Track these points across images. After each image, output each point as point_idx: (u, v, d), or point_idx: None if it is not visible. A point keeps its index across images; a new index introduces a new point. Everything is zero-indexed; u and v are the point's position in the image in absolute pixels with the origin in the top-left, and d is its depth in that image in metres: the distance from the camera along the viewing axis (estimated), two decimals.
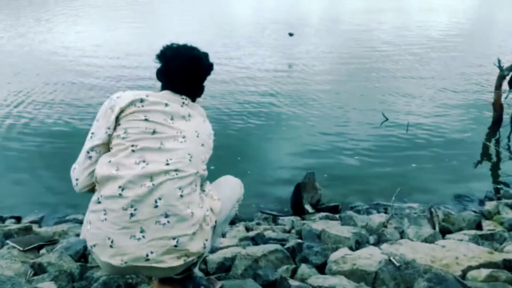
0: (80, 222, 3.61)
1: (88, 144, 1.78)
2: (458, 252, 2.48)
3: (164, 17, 16.77)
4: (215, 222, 1.88)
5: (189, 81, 1.89)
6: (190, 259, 1.73)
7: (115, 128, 1.77)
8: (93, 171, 1.75)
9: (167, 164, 1.70)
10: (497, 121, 5.75)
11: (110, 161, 1.70)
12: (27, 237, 2.97)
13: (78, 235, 3.00)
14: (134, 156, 1.70)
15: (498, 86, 5.64)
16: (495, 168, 5.02)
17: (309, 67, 9.01)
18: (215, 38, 11.62)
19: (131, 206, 1.64)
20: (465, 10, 17.36)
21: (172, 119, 1.79)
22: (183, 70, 1.87)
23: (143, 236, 1.65)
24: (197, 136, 1.82)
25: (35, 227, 3.37)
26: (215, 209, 1.88)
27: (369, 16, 15.55)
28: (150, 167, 1.68)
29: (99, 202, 1.69)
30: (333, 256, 2.45)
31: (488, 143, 5.37)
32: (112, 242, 1.65)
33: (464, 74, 8.23)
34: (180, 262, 1.70)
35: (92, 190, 1.79)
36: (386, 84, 7.73)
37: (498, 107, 5.72)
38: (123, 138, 1.73)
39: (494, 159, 5.18)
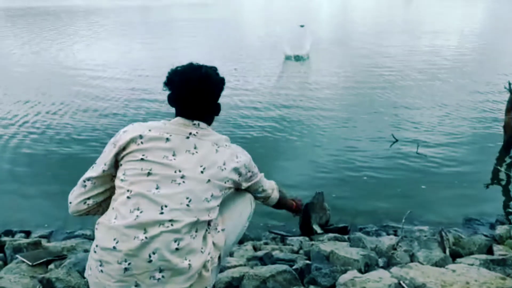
0: (89, 238, 3.62)
1: (86, 174, 1.81)
2: (469, 277, 2.44)
3: (176, 36, 17.01)
4: (220, 254, 1.84)
5: (202, 102, 1.82)
6: None
7: (117, 168, 1.77)
8: (86, 199, 1.78)
9: (162, 213, 1.64)
10: (507, 145, 5.70)
11: (113, 208, 1.70)
12: (36, 251, 2.98)
13: (86, 251, 3.00)
14: (129, 204, 1.66)
15: (509, 109, 5.62)
16: (506, 192, 4.96)
17: (316, 90, 9.03)
18: (223, 59, 11.74)
19: (125, 261, 1.62)
20: (473, 33, 17.40)
21: (174, 154, 1.73)
22: (195, 93, 1.80)
23: None
24: (202, 172, 1.72)
25: (44, 242, 3.38)
26: (218, 243, 1.82)
27: (376, 38, 15.65)
28: (144, 216, 1.64)
29: (95, 252, 1.68)
30: (342, 278, 2.42)
31: (498, 166, 5.33)
32: None
33: (474, 97, 8.20)
34: None
35: (85, 215, 1.82)
36: (395, 107, 7.70)
37: (508, 130, 5.68)
38: (122, 180, 1.72)
39: (505, 182, 5.12)
